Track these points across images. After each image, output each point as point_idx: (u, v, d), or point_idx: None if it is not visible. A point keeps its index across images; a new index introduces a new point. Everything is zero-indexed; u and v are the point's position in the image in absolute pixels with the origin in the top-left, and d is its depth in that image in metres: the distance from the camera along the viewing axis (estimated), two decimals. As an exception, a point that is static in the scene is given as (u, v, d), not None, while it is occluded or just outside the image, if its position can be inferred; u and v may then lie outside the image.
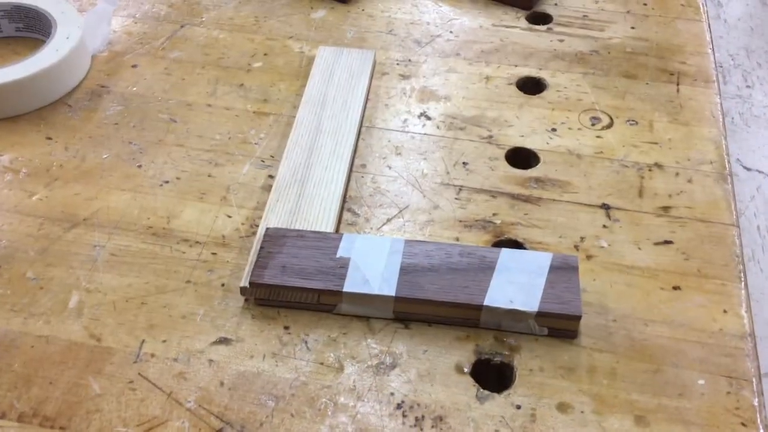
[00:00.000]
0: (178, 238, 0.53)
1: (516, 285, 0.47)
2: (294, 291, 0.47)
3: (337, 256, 0.49)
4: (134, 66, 0.68)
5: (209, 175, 0.58)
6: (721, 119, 0.64)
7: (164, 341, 0.46)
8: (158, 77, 0.67)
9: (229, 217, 0.54)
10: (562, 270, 0.48)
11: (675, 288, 0.50)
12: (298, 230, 0.51)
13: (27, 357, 0.45)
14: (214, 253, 0.52)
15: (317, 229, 0.52)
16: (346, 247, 0.49)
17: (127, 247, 0.52)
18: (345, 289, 0.47)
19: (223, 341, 0.46)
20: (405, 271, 0.48)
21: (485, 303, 0.46)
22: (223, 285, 0.50)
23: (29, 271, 0.50)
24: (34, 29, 0.70)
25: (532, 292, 0.47)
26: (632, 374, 0.45)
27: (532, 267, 0.48)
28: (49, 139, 0.61)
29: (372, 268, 0.48)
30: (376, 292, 0.47)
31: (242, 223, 0.54)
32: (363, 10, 0.77)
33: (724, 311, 0.49)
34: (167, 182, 0.57)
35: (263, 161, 0.59)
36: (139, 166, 0.58)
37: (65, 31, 0.66)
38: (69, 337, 0.46)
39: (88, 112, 0.63)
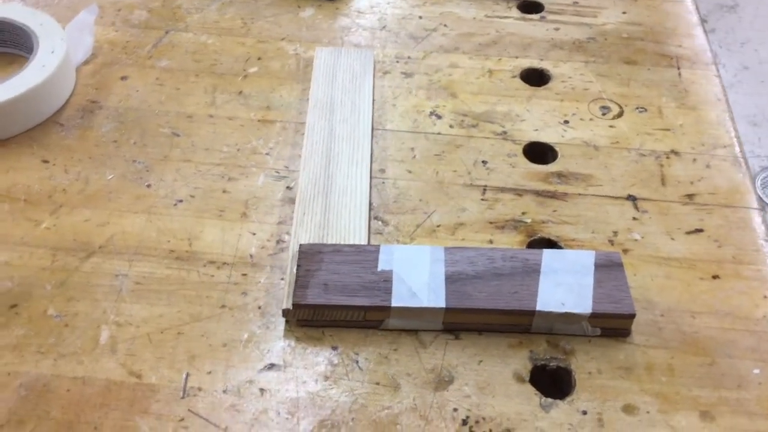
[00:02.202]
0: (203, 260, 0.50)
1: (564, 286, 0.47)
2: (339, 309, 0.46)
3: (379, 269, 0.47)
4: (123, 78, 0.65)
5: (224, 191, 0.55)
6: (725, 101, 0.65)
7: (209, 372, 0.44)
8: (151, 88, 0.64)
9: (253, 234, 0.52)
10: (607, 268, 0.48)
11: (714, 277, 0.50)
12: (333, 245, 0.49)
13: (64, 401, 0.43)
14: (244, 274, 0.50)
15: (349, 242, 0.50)
16: (386, 259, 0.48)
17: (151, 274, 0.49)
18: (393, 304, 0.45)
19: (272, 367, 0.45)
20: (451, 280, 0.47)
21: (537, 308, 0.45)
22: (259, 307, 0.48)
23: (50, 308, 0.47)
24: (12, 44, 0.66)
25: (583, 293, 0.46)
26: (689, 369, 0.45)
27: (576, 267, 0.48)
28: (46, 162, 0.57)
29: (416, 279, 0.47)
30: (425, 304, 0.45)
31: (268, 240, 0.52)
32: (351, 6, 0.75)
33: (765, 297, 0.49)
34: (181, 201, 0.54)
35: (278, 172, 0.57)
36: (148, 186, 0.55)
37: (49, 44, 0.62)
38: (106, 376, 0.44)
39: (82, 130, 0.60)
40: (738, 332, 0.47)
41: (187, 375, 0.44)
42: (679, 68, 0.68)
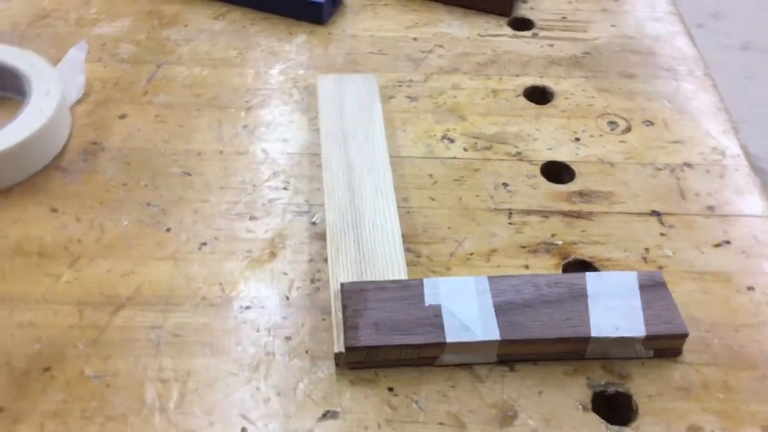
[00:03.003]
0: (239, 305, 0.49)
1: (614, 310, 0.46)
2: (393, 349, 0.45)
3: (426, 304, 0.46)
4: (122, 116, 0.62)
5: (248, 230, 0.54)
6: (725, 110, 0.66)
7: (267, 424, 0.42)
8: (153, 127, 0.62)
9: (285, 274, 0.51)
10: (651, 288, 0.48)
11: (749, 288, 0.51)
12: (375, 281, 0.48)
13: (119, 469, 0.40)
14: (284, 318, 0.48)
15: (388, 277, 0.49)
16: (432, 293, 0.47)
17: (188, 324, 0.47)
18: (448, 340, 0.45)
19: (331, 415, 0.43)
20: (500, 311, 0.46)
21: (592, 334, 0.45)
22: (307, 352, 0.46)
23: (87, 368, 0.45)
24: (2, 87, 0.62)
25: (633, 316, 0.46)
26: (743, 384, 0.45)
27: (621, 290, 0.48)
28: (55, 211, 0.54)
29: (467, 312, 0.46)
30: (480, 338, 0.45)
31: (302, 280, 0.50)
32: (344, 30, 0.74)
33: (801, 305, 0.50)
34: (205, 244, 0.52)
35: (299, 207, 0.55)
36: (168, 230, 0.53)
37: (43, 86, 0.59)
38: (160, 438, 0.42)
39: (88, 174, 0.57)
40: (782, 343, 0.48)
41: (243, 429, 0.42)
42: (676, 80, 0.69)
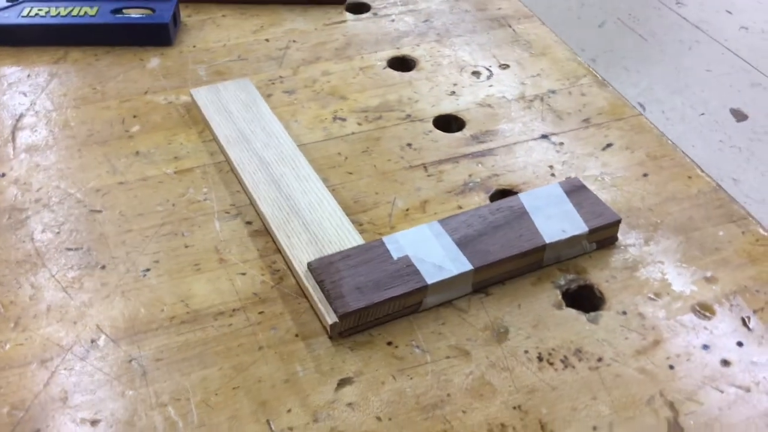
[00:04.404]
0: (212, 314, 0.48)
1: (554, 218, 0.51)
2: (382, 306, 0.46)
3: (395, 258, 0.48)
4: (2, 176, 0.58)
5: (186, 246, 0.52)
6: (561, 41, 0.74)
7: (289, 410, 0.42)
8: (39, 177, 0.58)
9: (243, 274, 0.50)
10: (575, 192, 0.53)
11: (644, 175, 0.58)
12: (339, 252, 0.49)
13: (162, 497, 0.39)
14: (261, 312, 0.48)
15: (346, 246, 0.51)
16: (395, 247, 0.49)
17: (166, 346, 0.46)
18: (429, 282, 0.47)
19: (346, 382, 0.44)
20: (462, 245, 0.49)
21: (546, 242, 0.49)
22: (297, 335, 0.47)
23: (78, 417, 0.42)
24: None
25: (572, 218, 0.51)
26: (677, 248, 0.52)
27: (552, 199, 0.53)
28: (-31, 282, 0.50)
29: (434, 254, 0.49)
30: (455, 272, 0.47)
31: (262, 274, 0.50)
32: (195, 46, 0.73)
33: (690, 177, 0.58)
34: (148, 270, 0.51)
35: (228, 213, 0.55)
36: (103, 267, 0.51)
37: None
38: (191, 455, 0.40)
39: (-11, 238, 0.53)
40: (691, 208, 0.55)
41: (268, 421, 0.42)
42: (510, 26, 0.76)
